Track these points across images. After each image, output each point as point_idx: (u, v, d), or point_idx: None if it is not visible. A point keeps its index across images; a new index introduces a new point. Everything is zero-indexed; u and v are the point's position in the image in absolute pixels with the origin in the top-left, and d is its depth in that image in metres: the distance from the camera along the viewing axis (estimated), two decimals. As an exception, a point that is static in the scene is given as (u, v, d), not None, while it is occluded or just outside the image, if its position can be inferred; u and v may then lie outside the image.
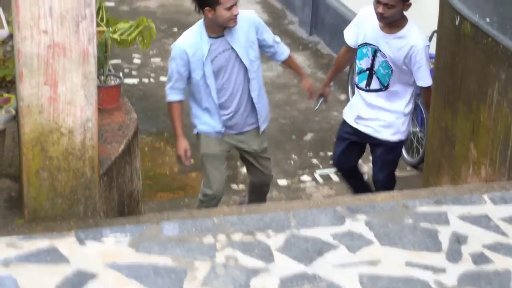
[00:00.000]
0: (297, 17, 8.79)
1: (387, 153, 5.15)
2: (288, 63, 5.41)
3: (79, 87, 3.29)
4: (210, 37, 4.89)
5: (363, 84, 5.15)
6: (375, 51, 5.06)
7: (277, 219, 3.36)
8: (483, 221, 3.33)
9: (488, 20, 3.68)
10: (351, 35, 5.23)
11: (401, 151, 5.30)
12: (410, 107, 5.10)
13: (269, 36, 5.16)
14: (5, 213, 3.42)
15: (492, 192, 3.51)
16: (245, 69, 5.01)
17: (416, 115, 5.86)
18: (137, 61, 7.41)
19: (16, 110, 3.33)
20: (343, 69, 5.52)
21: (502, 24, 3.64)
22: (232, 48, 4.92)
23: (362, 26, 5.15)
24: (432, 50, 5.18)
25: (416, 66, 4.91)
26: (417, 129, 5.87)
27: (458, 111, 4.04)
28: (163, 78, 7.11)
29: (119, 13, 8.17)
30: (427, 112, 5.13)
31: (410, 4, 4.83)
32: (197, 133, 5.14)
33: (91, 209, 3.44)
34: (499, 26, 3.62)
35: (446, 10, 3.99)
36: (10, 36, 3.54)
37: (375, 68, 5.10)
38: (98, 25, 4.92)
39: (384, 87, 5.11)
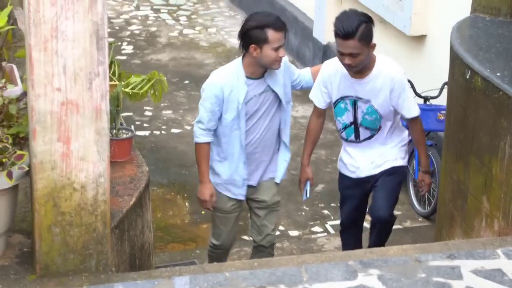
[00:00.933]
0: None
1: (390, 178, 4.91)
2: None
3: (92, 143, 3.31)
4: (248, 77, 4.76)
5: (352, 138, 4.93)
6: (355, 102, 4.82)
7: (289, 273, 3.35)
8: (497, 276, 3.30)
9: (499, 74, 3.69)
10: (321, 96, 4.96)
11: (402, 179, 5.01)
12: (406, 133, 4.99)
13: (298, 72, 5.06)
14: (17, 269, 3.42)
15: (505, 246, 3.49)
16: (279, 112, 4.89)
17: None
18: (148, 113, 7.45)
19: (29, 166, 3.35)
20: (318, 139, 5.17)
21: (513, 78, 3.67)
22: (271, 90, 4.80)
23: (331, 82, 4.89)
24: (443, 101, 5.19)
25: (401, 98, 4.71)
26: (429, 180, 5.84)
27: (470, 164, 4.04)
28: (174, 130, 7.14)
29: (131, 66, 8.25)
30: (424, 152, 4.90)
31: (375, 45, 4.65)
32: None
33: (103, 264, 3.43)
34: (510, 81, 3.63)
35: (457, 64, 4.01)
36: (24, 94, 3.58)
37: (359, 120, 4.87)
38: (110, 79, 4.96)
39: (376, 131, 4.88)
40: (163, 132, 7.17)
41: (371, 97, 4.75)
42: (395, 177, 4.89)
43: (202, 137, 4.79)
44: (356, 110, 4.83)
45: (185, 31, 9.32)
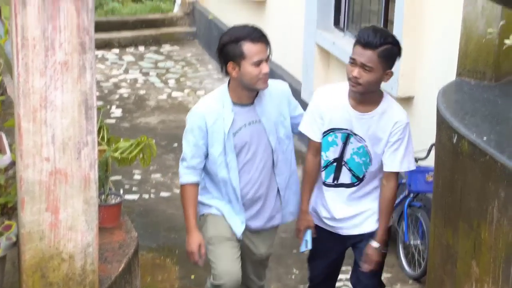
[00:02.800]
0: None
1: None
2: None
3: (80, 213, 3.31)
4: (235, 104, 4.15)
5: (330, 179, 4.35)
6: (347, 137, 4.24)
7: None
8: None
9: (485, 138, 3.71)
10: (316, 128, 4.30)
11: (388, 243, 4.52)
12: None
13: (300, 112, 4.43)
14: None
15: (496, 311, 3.48)
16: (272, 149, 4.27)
17: (416, 227, 5.83)
18: (137, 177, 7.43)
19: (17, 236, 3.34)
20: (316, 182, 4.50)
21: (499, 142, 3.68)
22: (261, 121, 4.19)
23: (325, 111, 4.27)
24: (431, 162, 5.21)
25: (394, 145, 4.21)
26: (418, 242, 5.83)
27: (459, 229, 4.04)
28: (163, 194, 7.12)
29: (120, 130, 8.26)
30: (385, 221, 4.36)
31: (391, 74, 4.17)
32: (203, 214, 4.36)
33: (91, 334, 3.41)
34: (496, 145, 3.65)
35: (443, 128, 4.04)
36: (13, 163, 3.59)
37: (346, 157, 4.29)
38: (99, 144, 4.97)
39: (357, 181, 4.32)
40: (152, 195, 7.15)
41: (367, 136, 4.24)
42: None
43: (185, 176, 4.20)
44: (345, 146, 4.29)
45: (174, 94, 9.36)
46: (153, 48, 11.05)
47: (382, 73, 4.11)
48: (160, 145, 7.70)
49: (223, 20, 9.91)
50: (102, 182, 4.86)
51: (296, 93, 8.79)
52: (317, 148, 4.34)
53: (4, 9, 8.90)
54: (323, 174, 4.38)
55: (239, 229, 4.30)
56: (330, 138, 4.29)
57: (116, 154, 5.25)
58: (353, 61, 4.11)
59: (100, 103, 8.75)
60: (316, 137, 4.31)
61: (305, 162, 4.47)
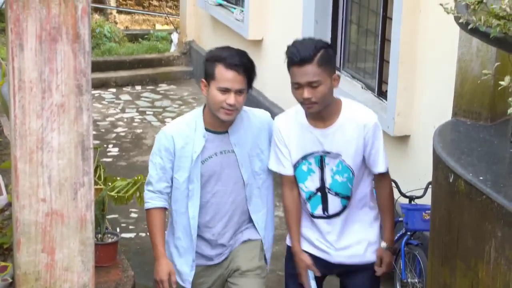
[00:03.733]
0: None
1: (368, 279, 4.18)
2: None
3: (77, 253, 3.30)
4: (207, 130, 3.93)
5: (319, 211, 4.06)
6: (321, 159, 3.97)
7: None
8: None
9: (481, 178, 3.72)
10: (285, 160, 4.00)
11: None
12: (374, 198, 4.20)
13: None
14: None
15: None
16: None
17: (414, 266, 5.82)
18: (134, 215, 7.42)
19: (13, 278, 3.33)
20: (301, 215, 4.17)
21: (496, 182, 3.69)
22: (234, 151, 3.95)
23: (289, 138, 3.99)
24: (427, 201, 5.20)
25: (374, 147, 3.99)
26: (416, 280, 5.82)
27: (456, 268, 4.03)
28: (160, 233, 7.09)
29: (116, 169, 8.25)
30: (390, 221, 4.15)
31: (338, 78, 3.92)
32: None
33: None
34: (492, 184, 3.66)
35: (440, 168, 4.04)
36: (9, 204, 3.59)
37: (328, 182, 4.00)
38: (95, 183, 4.98)
39: (347, 200, 4.04)
40: (148, 234, 7.14)
41: (341, 149, 3.94)
42: (374, 277, 4.19)
43: (151, 201, 3.97)
44: (323, 170, 3.99)
45: (171, 132, 9.39)
46: (150, 87, 11.08)
47: (330, 81, 3.86)
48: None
49: (219, 59, 9.95)
50: (99, 221, 4.87)
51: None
52: (292, 181, 4.06)
53: (1, 50, 8.95)
54: (308, 206, 4.08)
55: (189, 276, 4.04)
56: (304, 168, 4.01)
57: (113, 193, 5.26)
58: (297, 86, 3.83)
59: (97, 142, 8.75)
60: (287, 170, 4.02)
61: (283, 200, 4.15)
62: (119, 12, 15.33)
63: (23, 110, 3.10)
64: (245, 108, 4.04)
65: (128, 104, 10.42)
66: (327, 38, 7.55)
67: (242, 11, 9.35)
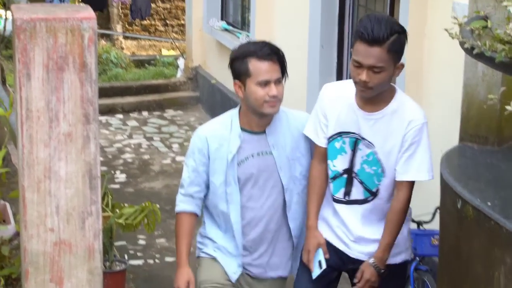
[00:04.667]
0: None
1: (388, 282, 3.91)
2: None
3: (85, 283, 3.29)
4: (243, 130, 3.74)
5: (340, 194, 3.80)
6: (355, 142, 3.71)
7: None
8: None
9: (489, 203, 3.70)
10: (320, 131, 3.75)
11: (404, 282, 4.08)
12: (410, 210, 3.95)
13: None
14: None
15: None
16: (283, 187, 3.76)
17: (423, 291, 5.77)
18: (142, 242, 7.41)
19: (21, 308, 3.32)
20: (325, 192, 3.88)
21: (504, 208, 3.67)
22: (272, 153, 3.74)
23: (331, 109, 3.73)
24: (435, 226, 5.19)
25: (410, 150, 3.67)
26: (425, 306, 5.77)
27: (465, 294, 4.01)
28: (168, 259, 7.08)
29: (124, 195, 8.25)
30: (391, 235, 3.80)
31: (402, 66, 3.66)
32: (199, 256, 3.96)
33: None
34: (501, 210, 3.64)
35: (448, 193, 4.03)
36: (17, 234, 3.59)
37: (356, 168, 3.75)
38: (103, 210, 4.99)
39: (370, 196, 3.78)
40: (157, 261, 7.11)
41: (377, 140, 3.68)
42: (396, 281, 3.97)
43: (181, 204, 3.82)
44: (355, 154, 3.72)
45: (178, 158, 9.37)
46: (157, 113, 11.11)
47: (393, 69, 3.58)
48: (164, 209, 7.68)
49: (226, 84, 9.99)
50: (107, 248, 4.86)
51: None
52: (323, 154, 3.78)
53: (9, 77, 8.98)
54: (331, 186, 3.81)
55: (234, 273, 3.85)
56: (337, 144, 3.74)
57: (121, 221, 5.26)
58: (358, 65, 3.53)
59: (104, 168, 8.76)
60: (321, 141, 3.76)
61: (310, 170, 3.85)
62: (126, 37, 15.39)
63: (31, 140, 3.10)
64: (283, 108, 3.85)
65: (135, 130, 10.45)
66: (333, 64, 7.57)
67: (248, 35, 9.38)
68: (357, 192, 3.79)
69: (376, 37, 3.48)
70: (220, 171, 3.71)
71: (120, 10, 15.59)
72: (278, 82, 3.67)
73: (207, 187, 3.80)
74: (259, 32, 8.97)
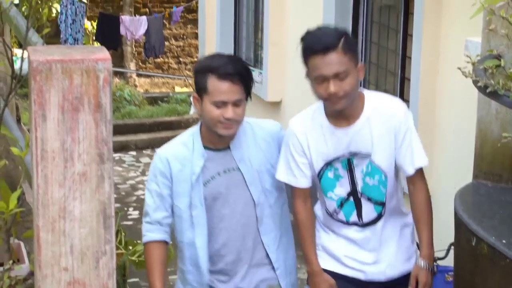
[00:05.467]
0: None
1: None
2: None
3: (99, 322, 3.29)
4: (206, 148, 3.56)
5: (354, 217, 3.63)
6: (349, 162, 3.53)
7: None
8: None
9: (504, 241, 3.69)
10: (299, 171, 3.55)
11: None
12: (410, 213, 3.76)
13: None
14: None
15: None
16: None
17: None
18: (155, 279, 7.39)
19: None
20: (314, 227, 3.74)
21: (519, 245, 3.67)
22: (239, 169, 3.55)
23: (308, 144, 3.53)
24: (450, 262, 5.16)
25: (405, 141, 3.52)
26: None
27: (481, 333, 3.98)
28: (181, 297, 7.05)
29: (137, 232, 8.23)
30: (428, 230, 3.71)
31: (363, 67, 3.53)
32: None
33: None
34: (515, 248, 3.64)
35: (462, 231, 4.02)
36: (31, 273, 3.59)
37: (360, 186, 3.57)
38: (116, 248, 5.00)
39: (382, 207, 3.62)
40: None
41: (370, 148, 3.51)
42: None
43: (148, 233, 3.63)
44: (353, 172, 3.56)
45: (191, 194, 9.40)
46: (170, 149, 11.14)
47: (356, 72, 3.43)
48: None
49: (239, 121, 9.99)
50: (120, 286, 4.86)
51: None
52: (306, 193, 3.64)
53: (23, 115, 9.04)
54: (341, 214, 3.63)
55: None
56: (330, 174, 3.56)
57: (134, 258, 5.26)
58: (321, 79, 3.39)
59: (118, 205, 8.79)
60: (301, 182, 3.57)
61: (294, 213, 3.69)
62: (139, 75, 15.48)
63: (46, 180, 3.12)
64: (249, 119, 3.68)
65: (148, 167, 10.46)
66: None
67: (261, 73, 9.42)
68: (368, 212, 3.63)
69: (327, 44, 3.38)
70: (184, 194, 3.52)
71: (134, 48, 15.69)
72: (237, 103, 3.45)
73: (172, 211, 3.61)
74: (271, 69, 9.01)
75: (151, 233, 3.62)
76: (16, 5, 6.09)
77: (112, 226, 3.30)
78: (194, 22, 15.74)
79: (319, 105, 3.61)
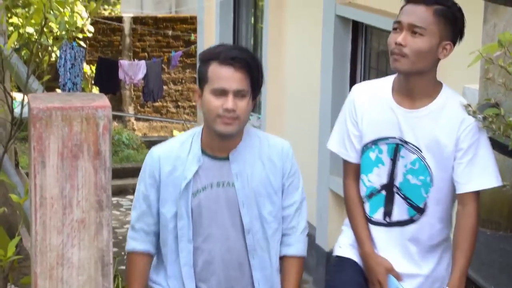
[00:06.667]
0: (311, 276, 8.81)
1: None
2: (286, 267, 3.27)
3: None
4: (204, 153, 3.13)
5: (379, 215, 3.23)
6: (396, 149, 3.13)
7: None
8: None
9: (503, 290, 3.68)
10: (350, 144, 3.22)
11: None
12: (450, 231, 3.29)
13: (296, 199, 3.23)
14: None
15: None
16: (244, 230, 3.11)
17: None
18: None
19: None
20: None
21: (518, 294, 3.65)
22: (234, 185, 3.11)
23: (363, 110, 3.18)
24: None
25: (469, 153, 3.06)
26: None
27: None
28: None
29: None
30: (466, 262, 3.18)
31: (451, 48, 3.15)
32: None
33: None
34: (515, 297, 3.62)
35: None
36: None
37: (398, 180, 3.16)
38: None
39: (417, 213, 3.17)
40: None
41: (424, 142, 3.09)
42: None
43: (132, 242, 3.29)
44: (395, 163, 3.15)
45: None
46: (168, 193, 11.12)
47: (438, 42, 3.06)
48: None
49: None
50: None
51: (311, 238, 8.79)
52: (357, 171, 3.26)
53: (22, 159, 9.02)
54: (366, 206, 3.25)
55: None
56: (372, 155, 3.17)
57: (131, 305, 5.22)
58: (397, 26, 3.04)
59: (115, 249, 8.74)
60: (351, 156, 3.23)
61: (346, 191, 3.34)
62: (137, 119, 15.52)
63: (44, 227, 3.11)
64: (260, 132, 3.27)
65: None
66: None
67: (259, 117, 9.46)
68: (399, 211, 3.18)
69: None
70: (171, 201, 3.12)
71: (133, 92, 15.76)
72: (239, 95, 3.02)
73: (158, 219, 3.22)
74: (269, 113, 9.04)
75: (135, 241, 3.27)
76: (17, 50, 6.13)
77: (110, 274, 3.28)
78: (193, 66, 15.84)
79: (388, 78, 3.23)
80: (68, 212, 3.12)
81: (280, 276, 3.29)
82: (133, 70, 13.05)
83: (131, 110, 15.45)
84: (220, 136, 3.07)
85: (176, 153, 3.12)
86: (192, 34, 15.22)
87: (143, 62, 13.41)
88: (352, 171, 3.29)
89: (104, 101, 3.05)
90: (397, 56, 3.04)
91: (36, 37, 4.14)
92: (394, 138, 3.13)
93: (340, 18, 7.58)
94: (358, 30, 7.64)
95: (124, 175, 11.28)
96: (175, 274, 3.19)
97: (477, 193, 3.18)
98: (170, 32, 16.44)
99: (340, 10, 7.52)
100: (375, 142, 3.17)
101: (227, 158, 3.09)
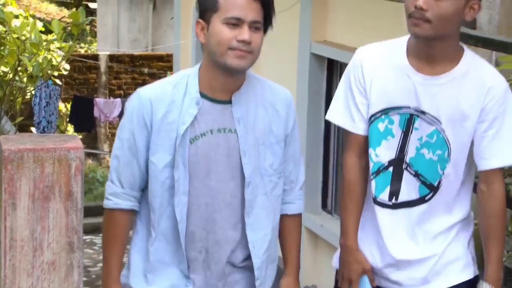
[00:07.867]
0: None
1: None
2: (288, 227, 2.90)
3: None
4: (203, 95, 2.73)
5: (384, 195, 2.81)
6: (410, 120, 2.75)
7: None
8: None
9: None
10: (356, 112, 2.80)
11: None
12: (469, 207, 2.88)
13: (296, 151, 2.87)
14: None
15: None
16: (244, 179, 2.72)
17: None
18: None
19: None
20: (365, 198, 2.91)
21: None
22: (236, 131, 2.73)
23: (372, 74, 2.78)
24: None
25: (495, 125, 2.68)
26: None
27: None
28: None
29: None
30: (498, 252, 2.76)
31: (479, 7, 2.68)
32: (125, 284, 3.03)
33: None
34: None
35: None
36: None
37: (409, 156, 2.77)
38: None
39: (430, 192, 2.78)
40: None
41: (444, 113, 2.71)
42: None
43: (113, 198, 2.94)
44: (407, 136, 2.77)
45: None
46: (142, 232, 11.07)
47: (464, 4, 2.62)
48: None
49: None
50: None
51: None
52: (362, 145, 2.84)
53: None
54: (372, 184, 2.85)
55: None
56: (381, 126, 2.78)
57: None
58: None
59: (88, 289, 8.67)
60: (357, 127, 2.81)
61: (344, 170, 2.90)
62: (112, 157, 15.46)
63: (13, 269, 3.08)
64: (258, 76, 2.89)
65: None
66: (319, 181, 7.62)
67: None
68: (408, 189, 2.80)
69: None
70: (166, 149, 2.72)
71: (108, 130, 15.73)
72: (254, 27, 2.65)
73: (146, 172, 2.82)
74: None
75: (117, 198, 2.90)
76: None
77: (80, 316, 3.26)
78: (169, 104, 15.84)
79: (399, 41, 2.82)
80: (39, 254, 3.09)
81: (279, 236, 2.94)
82: (108, 108, 13.03)
83: (106, 147, 15.41)
84: (230, 71, 2.68)
85: (170, 96, 2.70)
86: (168, 72, 15.26)
87: (118, 100, 13.40)
88: (357, 145, 2.85)
89: (77, 142, 3.04)
90: (417, 21, 2.62)
91: (11, 77, 4.15)
92: (409, 107, 2.73)
93: (315, 56, 7.63)
94: (333, 67, 7.71)
95: (98, 213, 11.19)
96: (164, 231, 2.80)
97: (502, 170, 2.81)
98: (146, 70, 16.46)
99: (315, 48, 7.58)
100: (385, 111, 2.77)
101: (228, 102, 2.72)
